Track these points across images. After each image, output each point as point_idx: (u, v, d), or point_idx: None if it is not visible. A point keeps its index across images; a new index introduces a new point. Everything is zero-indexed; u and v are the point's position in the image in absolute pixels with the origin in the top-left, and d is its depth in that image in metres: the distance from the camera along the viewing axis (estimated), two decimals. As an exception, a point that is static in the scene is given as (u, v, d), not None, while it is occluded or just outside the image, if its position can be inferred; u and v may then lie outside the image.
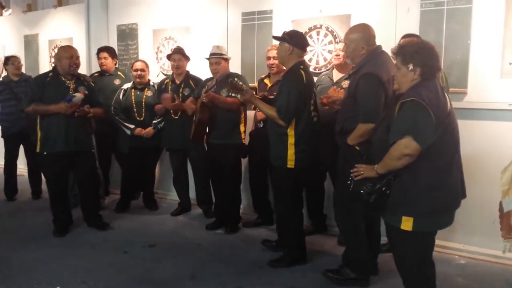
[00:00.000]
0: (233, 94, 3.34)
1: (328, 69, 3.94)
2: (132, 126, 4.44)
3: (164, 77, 4.83)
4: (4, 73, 5.22)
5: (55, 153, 3.82)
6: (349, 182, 2.37)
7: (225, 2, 4.63)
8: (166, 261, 3.44)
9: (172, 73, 4.44)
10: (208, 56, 3.95)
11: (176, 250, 3.66)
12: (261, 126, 3.93)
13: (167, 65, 5.06)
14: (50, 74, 3.92)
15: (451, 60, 3.48)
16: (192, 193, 4.68)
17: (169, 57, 4.39)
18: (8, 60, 5.08)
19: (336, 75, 3.72)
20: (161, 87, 4.44)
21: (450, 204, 2.25)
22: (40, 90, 3.82)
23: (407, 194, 2.18)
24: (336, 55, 3.71)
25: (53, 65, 6.00)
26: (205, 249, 3.69)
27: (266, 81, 4.02)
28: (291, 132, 3.11)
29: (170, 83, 4.40)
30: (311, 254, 3.43)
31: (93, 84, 4.18)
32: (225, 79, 3.85)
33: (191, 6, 4.89)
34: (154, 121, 4.47)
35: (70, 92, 3.83)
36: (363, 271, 2.98)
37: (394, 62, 2.33)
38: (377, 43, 2.94)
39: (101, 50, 4.87)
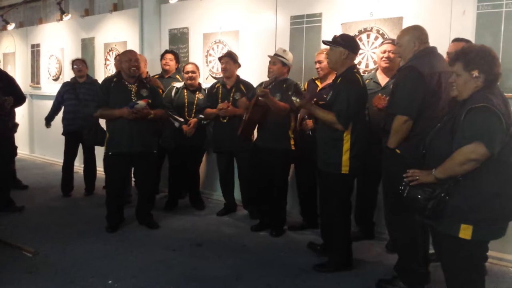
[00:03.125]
0: (293, 97, 3.37)
1: (371, 73, 3.84)
2: (181, 120, 4.55)
3: (214, 80, 4.92)
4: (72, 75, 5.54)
5: (120, 154, 4.01)
6: (402, 187, 2.31)
7: (274, 6, 4.67)
8: (213, 260, 3.51)
9: (223, 77, 4.51)
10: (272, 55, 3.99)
11: (222, 250, 3.72)
12: (310, 134, 3.86)
13: (216, 68, 5.17)
14: (114, 79, 4.13)
15: (510, 64, 3.34)
16: (237, 194, 4.74)
17: (220, 60, 4.46)
18: (73, 63, 5.39)
19: (382, 79, 3.65)
20: (212, 91, 4.51)
21: (508, 213, 2.17)
22: (106, 94, 4.03)
23: (468, 201, 2.12)
24: (387, 58, 3.59)
25: (108, 67, 6.34)
26: (250, 250, 3.73)
27: (317, 82, 4.01)
28: (347, 136, 3.09)
29: (220, 87, 4.46)
30: (357, 260, 3.39)
31: (159, 89, 4.42)
32: (280, 84, 3.89)
33: (241, 10, 4.97)
34: (200, 116, 4.56)
35: (132, 95, 4.00)
36: (417, 282, 2.89)
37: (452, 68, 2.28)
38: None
39: (167, 52, 5.08)
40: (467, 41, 3.21)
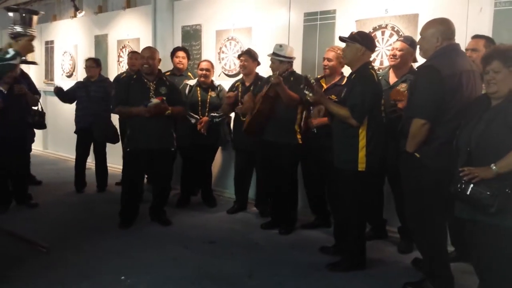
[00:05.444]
0: (306, 91, 3.35)
1: (383, 71, 3.79)
2: (197, 117, 4.56)
3: (226, 78, 4.92)
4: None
5: (137, 150, 4.04)
6: (462, 186, 2.25)
7: (288, 2, 4.64)
8: (225, 258, 3.51)
9: (242, 75, 4.48)
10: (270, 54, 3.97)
11: (234, 247, 3.72)
12: (315, 132, 3.83)
13: (229, 65, 5.16)
14: (134, 76, 4.15)
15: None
16: (251, 193, 4.74)
17: (239, 57, 4.44)
18: (85, 62, 5.43)
19: (393, 78, 3.57)
20: (233, 89, 4.50)
21: None
22: (125, 92, 4.06)
23: None
24: (393, 55, 3.50)
25: (121, 64, 6.37)
26: (262, 248, 3.72)
27: (322, 82, 3.95)
28: (362, 133, 3.06)
29: (240, 85, 4.44)
30: (370, 260, 3.36)
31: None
32: (287, 77, 3.87)
33: (254, 7, 4.94)
34: (212, 114, 4.55)
35: (151, 93, 4.00)
36: (447, 285, 2.82)
37: (478, 64, 2.34)
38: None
39: (179, 49, 5.04)
40: (487, 37, 3.15)
